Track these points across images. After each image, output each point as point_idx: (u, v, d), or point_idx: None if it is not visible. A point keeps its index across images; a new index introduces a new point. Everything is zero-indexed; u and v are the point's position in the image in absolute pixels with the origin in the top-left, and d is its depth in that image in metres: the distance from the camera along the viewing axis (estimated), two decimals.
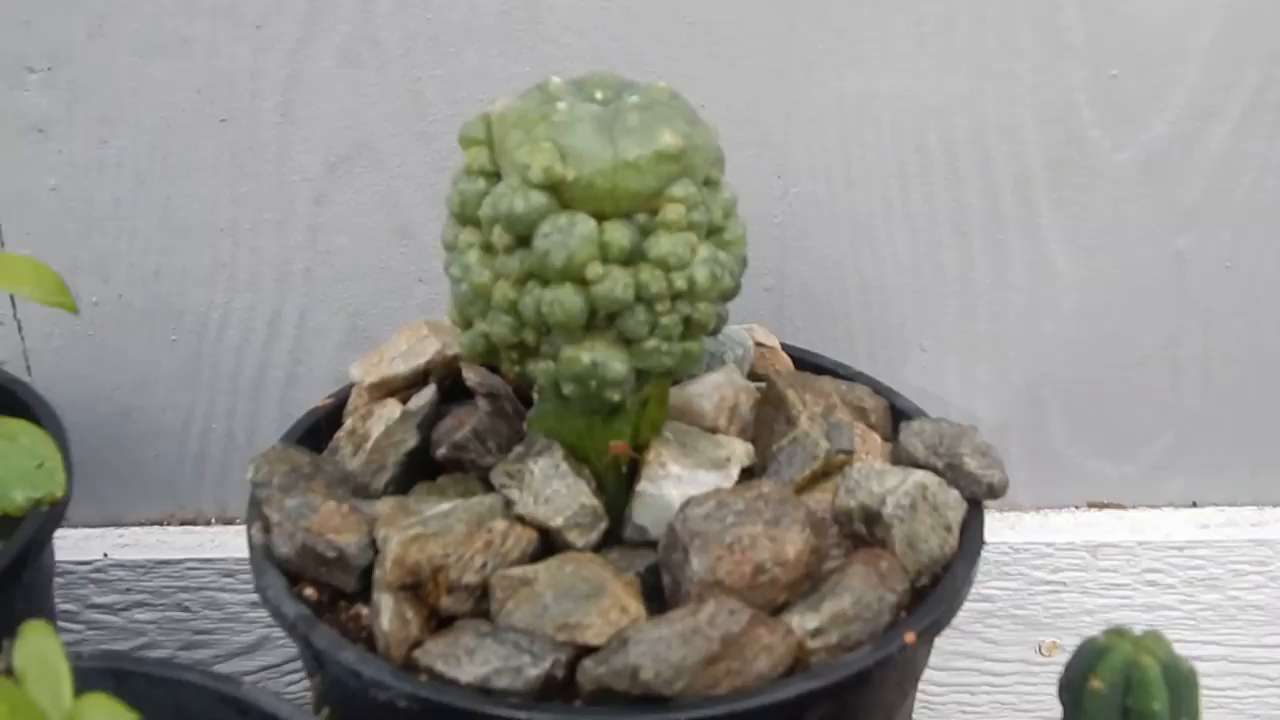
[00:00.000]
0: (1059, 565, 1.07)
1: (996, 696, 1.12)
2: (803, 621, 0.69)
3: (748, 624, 0.67)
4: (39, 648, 0.62)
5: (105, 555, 1.05)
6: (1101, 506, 1.10)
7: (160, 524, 1.09)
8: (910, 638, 0.70)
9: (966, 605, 0.75)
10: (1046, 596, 1.08)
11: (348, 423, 0.83)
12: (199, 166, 0.96)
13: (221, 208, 0.98)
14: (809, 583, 0.72)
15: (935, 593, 0.73)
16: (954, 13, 0.92)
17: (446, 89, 0.94)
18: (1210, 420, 1.06)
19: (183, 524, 1.09)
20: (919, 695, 0.88)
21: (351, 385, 0.87)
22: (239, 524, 1.09)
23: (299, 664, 1.08)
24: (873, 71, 0.93)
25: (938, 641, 0.75)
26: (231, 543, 1.08)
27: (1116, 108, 0.94)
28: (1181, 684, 0.63)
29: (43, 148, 0.96)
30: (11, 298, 0.99)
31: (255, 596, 1.02)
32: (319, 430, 0.85)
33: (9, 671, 0.64)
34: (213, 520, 1.09)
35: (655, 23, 0.92)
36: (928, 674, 0.87)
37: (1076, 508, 1.10)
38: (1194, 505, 1.10)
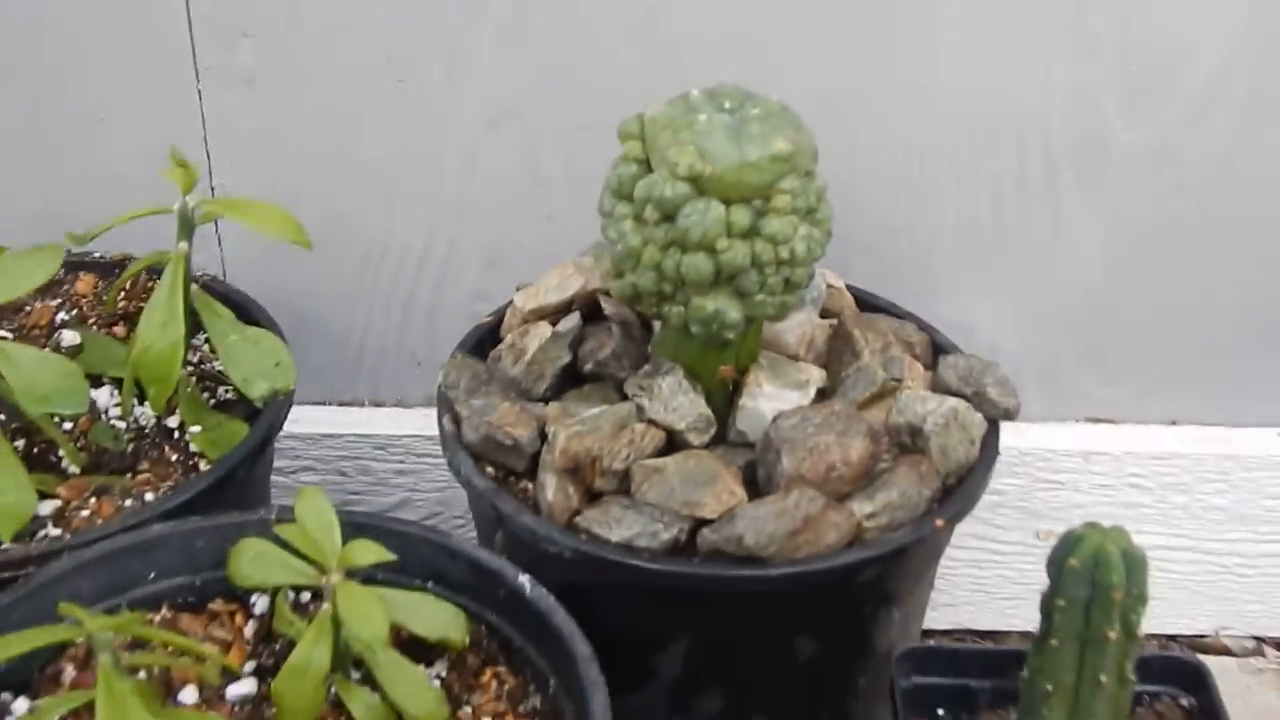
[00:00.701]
0: (1058, 468, 1.31)
1: (999, 571, 1.37)
2: (861, 508, 0.93)
3: (822, 508, 0.91)
4: (314, 504, 0.87)
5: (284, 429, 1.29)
6: (1096, 421, 1.34)
7: (324, 404, 1.33)
8: (940, 523, 0.94)
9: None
10: (1046, 493, 1.32)
11: (508, 339, 1.07)
12: (376, 120, 1.19)
13: (392, 156, 1.20)
14: (866, 479, 0.95)
15: (959, 490, 0.97)
16: (1000, 19, 1.13)
17: (581, 66, 1.16)
18: (1191, 355, 1.30)
19: (341, 405, 1.33)
20: (940, 566, 1.13)
21: (505, 307, 1.10)
22: (388, 406, 1.33)
23: (435, 519, 1.33)
24: (930, 70, 1.15)
25: (958, 526, 1.00)
26: (381, 421, 1.32)
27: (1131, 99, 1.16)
28: (1135, 564, 0.87)
29: (248, 98, 1.19)
30: (215, 221, 1.22)
31: (400, 465, 1.28)
32: (484, 342, 1.09)
33: (280, 521, 0.89)
34: (366, 403, 1.34)
35: (760, 23, 1.13)
36: (948, 551, 1.11)
37: (1076, 421, 1.34)
38: (1173, 423, 1.34)
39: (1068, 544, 0.88)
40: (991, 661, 1.01)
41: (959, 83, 1.15)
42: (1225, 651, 1.42)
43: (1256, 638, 1.43)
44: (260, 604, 0.93)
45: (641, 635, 0.93)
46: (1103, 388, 1.32)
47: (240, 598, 0.92)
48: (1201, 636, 1.39)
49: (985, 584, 1.36)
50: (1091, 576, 0.87)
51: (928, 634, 1.28)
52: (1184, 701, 1.02)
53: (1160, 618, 1.03)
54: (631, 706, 0.96)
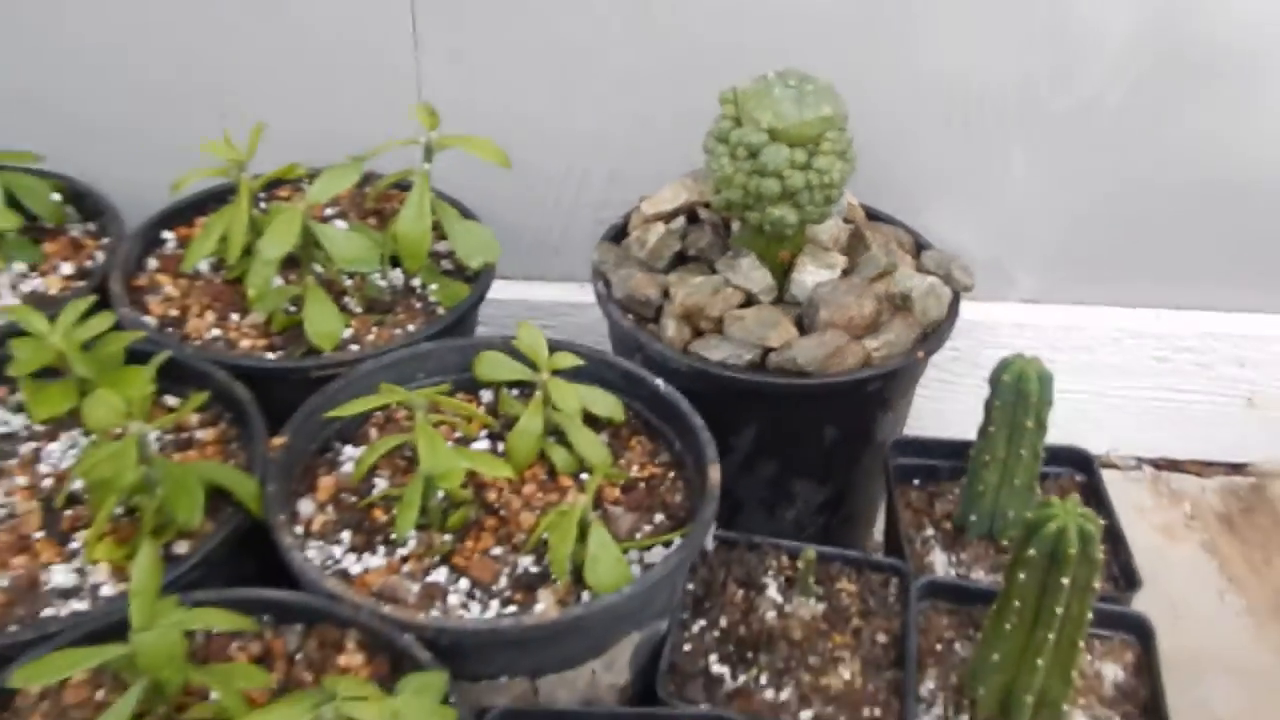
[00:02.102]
0: (998, 335, 1.67)
1: (954, 404, 1.71)
2: (870, 343, 1.30)
3: (845, 342, 1.28)
4: (530, 331, 1.22)
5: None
6: (1026, 301, 1.70)
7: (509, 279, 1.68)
8: (920, 355, 1.32)
9: (944, 350, 1.35)
10: (988, 351, 1.67)
11: (634, 233, 1.43)
12: (539, 86, 1.53)
13: (548, 110, 1.55)
14: (873, 326, 1.33)
15: (933, 335, 1.35)
16: (967, 24, 1.47)
17: (678, 51, 1.50)
18: (1091, 256, 1.65)
19: (502, 279, 1.68)
20: (916, 398, 1.49)
21: (630, 212, 1.46)
22: (534, 280, 1.68)
23: None
24: (915, 59, 1.50)
25: (928, 374, 1.36)
26: (533, 290, 1.67)
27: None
28: (1046, 380, 1.23)
29: (454, 71, 1.52)
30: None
31: (544, 322, 1.62)
32: (616, 236, 1.46)
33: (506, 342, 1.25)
34: (521, 277, 1.69)
35: (808, 21, 1.48)
36: (920, 390, 1.47)
37: (1010, 301, 1.69)
38: (1080, 303, 1.70)
39: (1002, 366, 1.24)
40: (951, 449, 1.38)
41: (936, 66, 1.49)
42: (1114, 467, 1.78)
43: (1137, 457, 1.79)
44: (486, 396, 1.29)
45: (727, 423, 1.29)
46: (1030, 277, 1.67)
47: (475, 392, 1.28)
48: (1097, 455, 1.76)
49: (944, 412, 1.72)
50: (1017, 386, 1.22)
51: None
52: (1077, 478, 1.38)
53: (1070, 442, 1.38)
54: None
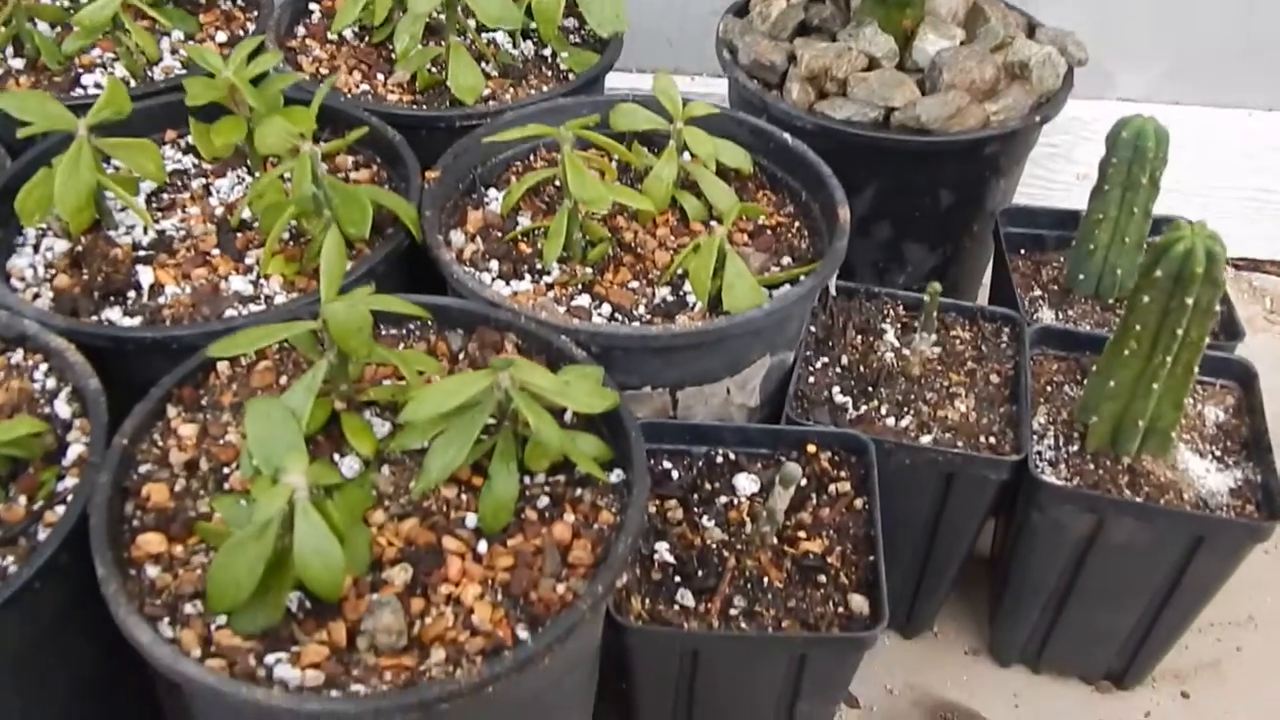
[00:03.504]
0: (1094, 130, 1.62)
1: (1052, 197, 1.70)
2: (990, 107, 1.28)
3: (967, 103, 1.26)
4: (665, 82, 1.21)
5: None
6: (1125, 100, 1.66)
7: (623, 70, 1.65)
8: (1038, 119, 1.29)
9: (1041, 145, 1.31)
10: (1085, 147, 1.65)
11: (756, 8, 1.41)
12: None
13: None
14: (993, 92, 1.30)
15: (1048, 104, 1.32)
16: None
17: None
18: (1190, 59, 1.60)
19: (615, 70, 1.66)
20: (1020, 184, 1.46)
21: None
22: (647, 72, 1.67)
23: None
24: None
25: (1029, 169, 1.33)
26: (645, 80, 1.65)
27: None
28: (1163, 138, 1.20)
29: None
30: None
31: None
32: (740, 11, 1.43)
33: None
34: (634, 70, 1.67)
35: None
36: (1025, 179, 1.45)
37: (1108, 100, 1.66)
38: (1175, 103, 1.66)
39: (1121, 124, 1.20)
40: (1058, 219, 1.35)
41: None
42: None
43: None
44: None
45: (846, 185, 1.26)
46: (1128, 75, 1.63)
47: (607, 155, 1.27)
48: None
49: (1047, 200, 1.68)
50: (1135, 143, 1.19)
51: None
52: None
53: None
54: None
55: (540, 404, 0.85)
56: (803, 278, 1.08)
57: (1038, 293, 1.31)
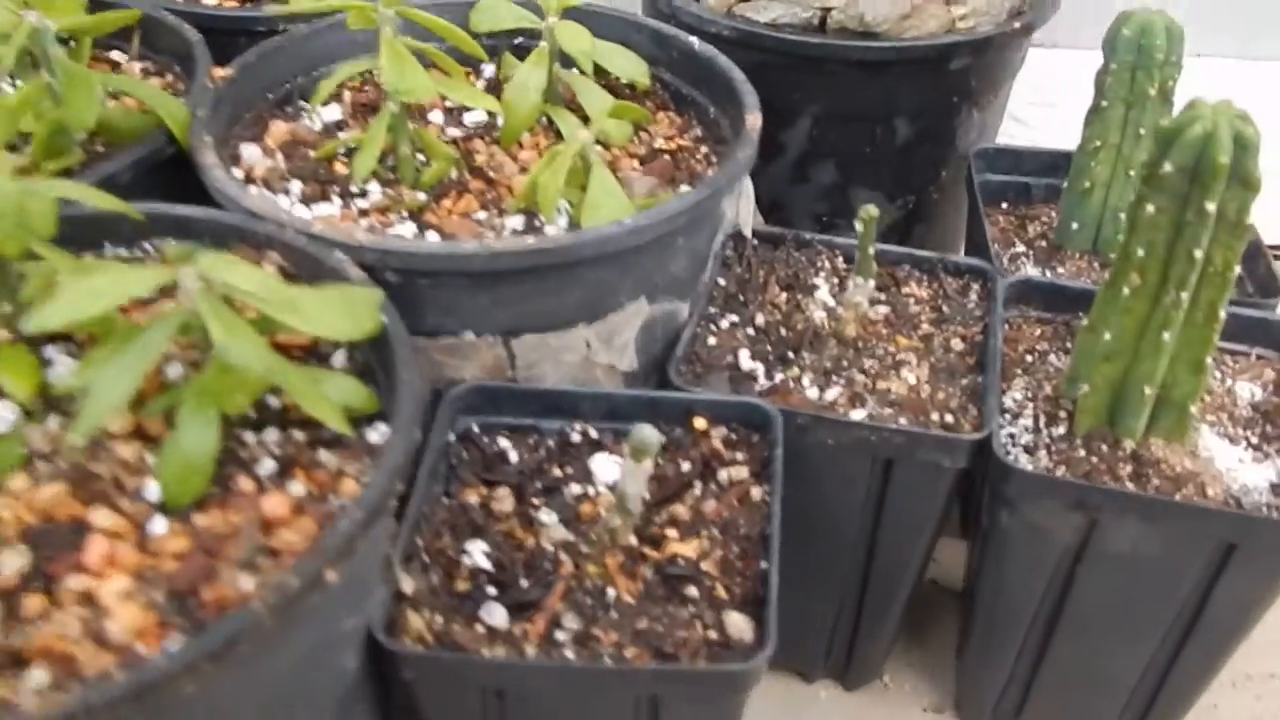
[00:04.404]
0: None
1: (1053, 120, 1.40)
2: (956, 10, 1.00)
3: (925, 0, 0.98)
4: None
5: None
6: None
7: None
8: (1017, 25, 1.01)
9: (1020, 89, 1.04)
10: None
11: None
12: None
13: None
14: None
15: (1032, 10, 1.04)
16: None
17: None
18: None
19: None
20: (1007, 107, 1.17)
21: None
22: None
23: None
24: None
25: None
26: None
27: None
28: (1175, 36, 0.92)
29: None
30: None
31: None
32: None
33: None
34: None
35: None
36: (1014, 98, 1.16)
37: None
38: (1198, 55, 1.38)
39: (1121, 19, 0.93)
40: (1048, 162, 1.08)
41: None
42: None
43: None
44: (488, 70, 1.02)
45: (776, 111, 1.00)
46: None
47: (474, 66, 1.00)
48: None
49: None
50: (1139, 42, 0.92)
51: None
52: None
53: None
54: (764, 178, 1.04)
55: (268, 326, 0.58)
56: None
57: (1020, 249, 1.03)
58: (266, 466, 0.62)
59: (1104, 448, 0.81)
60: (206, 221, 0.74)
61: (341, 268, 0.71)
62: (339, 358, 0.70)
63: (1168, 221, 0.72)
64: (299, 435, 0.64)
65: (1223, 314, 0.75)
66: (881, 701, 0.98)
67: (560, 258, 0.73)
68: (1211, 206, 0.70)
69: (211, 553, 0.56)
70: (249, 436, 0.64)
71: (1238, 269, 0.73)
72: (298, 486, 0.61)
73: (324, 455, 0.63)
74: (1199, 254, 0.72)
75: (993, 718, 0.94)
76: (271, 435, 0.64)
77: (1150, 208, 0.72)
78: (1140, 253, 0.74)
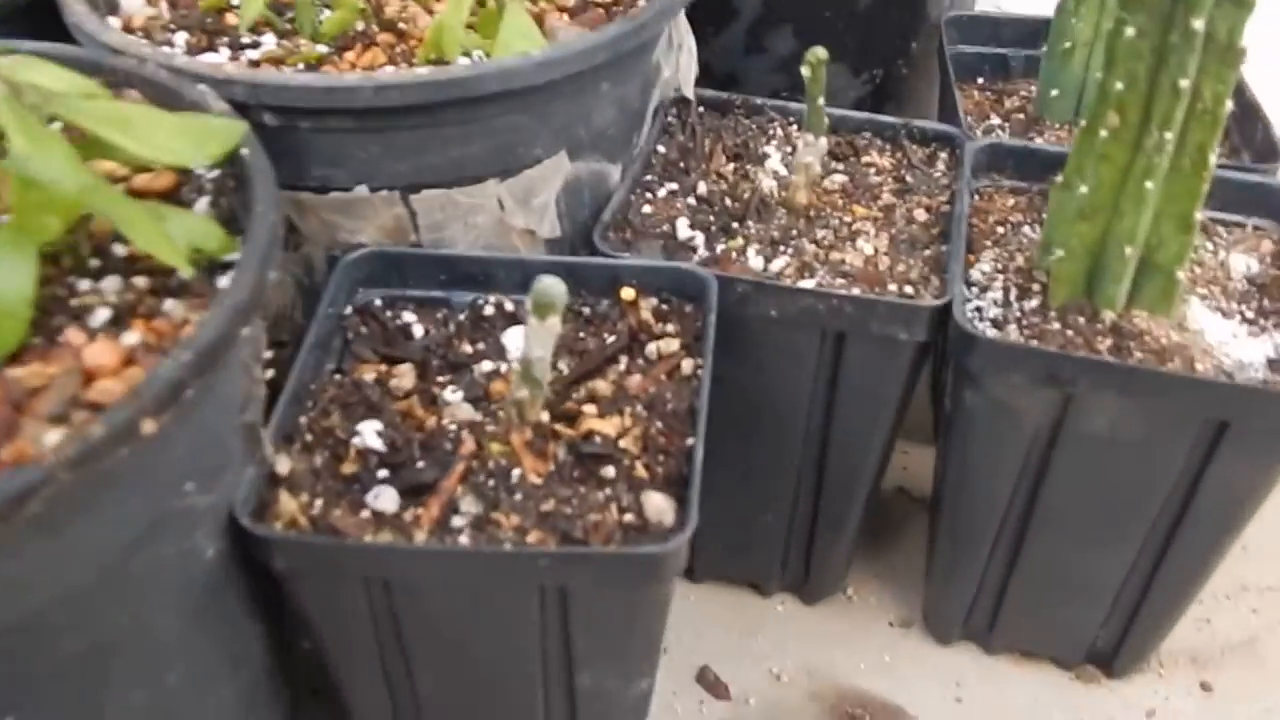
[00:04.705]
0: None
1: None
2: None
3: None
4: None
5: None
6: None
7: None
8: None
9: None
10: None
11: None
12: None
13: None
14: None
15: None
16: None
17: None
18: None
19: None
20: None
21: None
22: None
23: None
24: None
25: None
26: None
27: None
28: None
29: None
30: None
31: None
32: None
33: None
34: None
35: None
36: None
37: None
38: None
39: None
40: (1028, 31, 0.99)
41: None
42: None
43: None
44: None
45: None
46: None
47: None
48: None
49: None
50: None
51: None
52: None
53: None
54: (717, 48, 0.95)
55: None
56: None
57: (995, 121, 0.94)
58: (101, 316, 0.53)
59: (1081, 320, 0.72)
60: (60, 57, 0.65)
61: (204, 101, 0.62)
62: (202, 204, 0.61)
63: (1149, 48, 0.63)
64: (141, 283, 0.55)
65: (1213, 160, 0.66)
66: (844, 615, 0.90)
67: (458, 92, 0.65)
68: (1199, 25, 0.61)
69: (19, 407, 0.48)
70: (84, 285, 0.55)
71: (1229, 104, 0.64)
72: (133, 336, 0.52)
73: (169, 304, 0.54)
74: (1185, 84, 0.63)
75: (964, 631, 0.86)
76: (112, 284, 0.55)
77: (1130, 30, 0.63)
78: (1119, 86, 0.65)
